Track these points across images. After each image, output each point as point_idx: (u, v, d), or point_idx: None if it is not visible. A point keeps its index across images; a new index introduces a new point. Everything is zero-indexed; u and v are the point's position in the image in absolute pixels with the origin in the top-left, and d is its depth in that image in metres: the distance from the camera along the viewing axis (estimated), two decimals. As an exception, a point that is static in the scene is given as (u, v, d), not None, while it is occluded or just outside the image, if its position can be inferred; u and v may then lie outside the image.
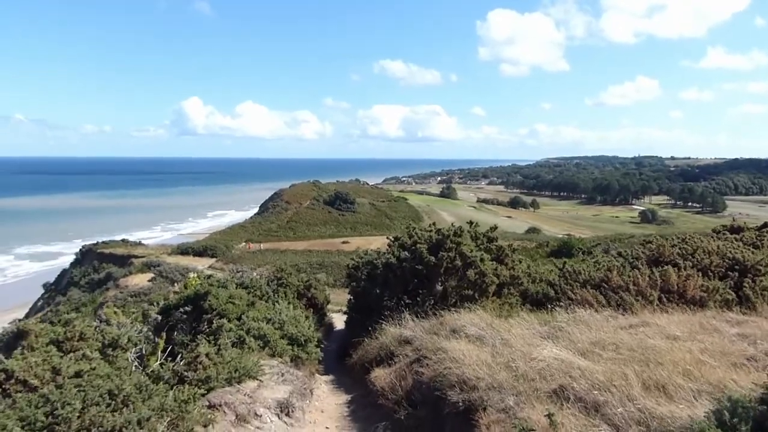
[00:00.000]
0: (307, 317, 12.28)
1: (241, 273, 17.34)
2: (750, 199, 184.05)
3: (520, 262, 12.50)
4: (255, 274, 17.34)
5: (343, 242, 72.97)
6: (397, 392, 7.49)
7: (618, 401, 4.74)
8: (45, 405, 3.90)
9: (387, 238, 14.28)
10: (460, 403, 5.78)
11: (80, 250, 65.94)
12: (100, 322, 8.25)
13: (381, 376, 8.50)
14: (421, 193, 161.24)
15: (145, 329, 9.14)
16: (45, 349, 5.52)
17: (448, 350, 7.26)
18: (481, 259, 10.90)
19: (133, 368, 7.46)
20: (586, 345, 6.80)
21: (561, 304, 9.83)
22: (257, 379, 7.69)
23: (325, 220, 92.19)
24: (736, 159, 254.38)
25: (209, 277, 12.27)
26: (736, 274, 10.23)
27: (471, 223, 12.74)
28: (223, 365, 7.35)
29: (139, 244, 68.31)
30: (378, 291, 12.39)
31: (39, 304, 54.03)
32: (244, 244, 70.18)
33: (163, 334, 8.78)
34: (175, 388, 5.88)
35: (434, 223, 13.35)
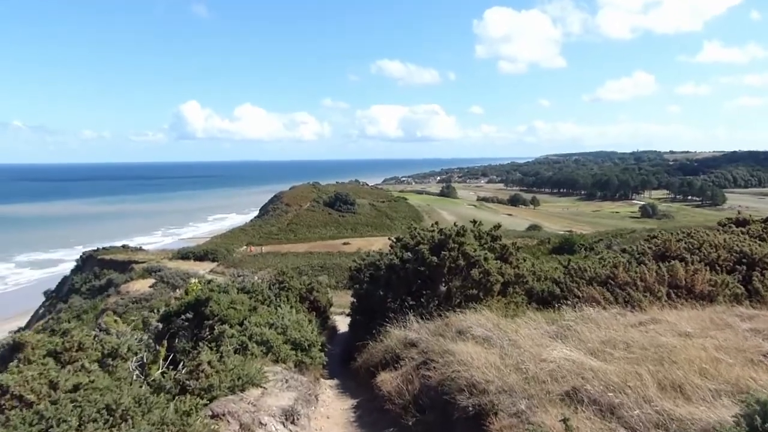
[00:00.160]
0: (310, 321, 12.12)
1: (242, 277, 17.19)
2: (749, 192, 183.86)
3: (525, 260, 12.35)
4: (256, 278, 17.20)
5: (344, 243, 72.80)
6: (404, 397, 7.34)
7: (634, 403, 4.59)
8: (40, 422, 3.76)
9: (389, 238, 14.13)
10: (470, 408, 5.64)
11: (81, 256, 65.73)
12: (100, 331, 8.10)
13: (387, 380, 8.35)
14: (420, 192, 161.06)
15: (145, 337, 8.99)
16: (42, 361, 5.37)
17: (456, 353, 7.11)
18: (485, 258, 10.74)
19: (135, 377, 7.33)
20: (596, 344, 6.65)
21: (567, 302, 9.67)
22: (261, 387, 7.53)
23: (326, 222, 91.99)
24: (735, 152, 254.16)
25: (210, 282, 12.12)
26: (744, 267, 10.09)
27: (474, 222, 12.59)
28: (226, 373, 7.20)
29: (140, 249, 68.13)
30: (381, 293, 12.24)
31: (40, 311, 53.85)
32: (245, 247, 70.02)
33: (164, 342, 8.63)
34: (176, 398, 5.73)
35: (436, 223, 13.19)
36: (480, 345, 7.37)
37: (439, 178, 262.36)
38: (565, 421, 4.25)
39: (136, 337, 8.76)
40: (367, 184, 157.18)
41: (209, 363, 7.29)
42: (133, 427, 4.06)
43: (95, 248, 66.38)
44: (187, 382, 6.97)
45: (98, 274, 54.82)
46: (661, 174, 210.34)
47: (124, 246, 69.02)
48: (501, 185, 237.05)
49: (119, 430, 3.92)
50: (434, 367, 7.17)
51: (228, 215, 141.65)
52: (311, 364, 9.74)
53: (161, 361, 8.19)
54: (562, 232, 74.65)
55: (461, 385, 6.09)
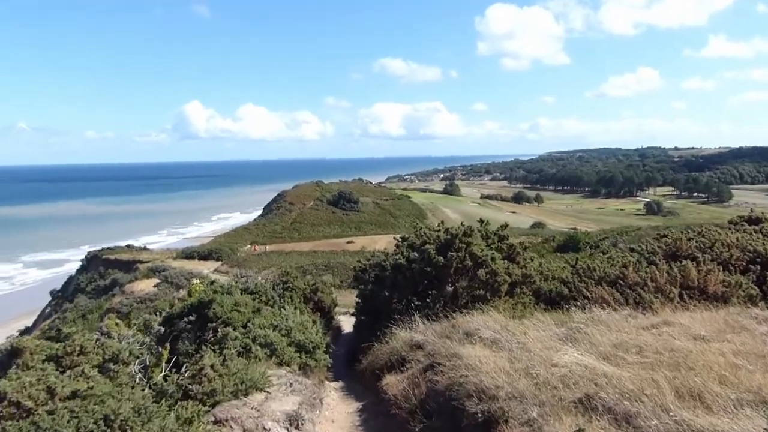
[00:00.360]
0: (314, 322, 11.98)
1: (245, 278, 17.07)
2: (756, 188, 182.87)
3: (532, 260, 12.18)
4: (260, 278, 17.07)
5: (348, 242, 72.73)
6: (410, 401, 7.18)
7: (651, 412, 4.42)
8: (37, 433, 3.62)
9: (394, 238, 13.98)
10: (479, 415, 5.47)
11: (86, 256, 65.77)
12: (102, 334, 7.97)
13: (393, 383, 8.20)
14: (424, 190, 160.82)
15: (148, 340, 8.86)
16: (41, 367, 5.23)
17: (463, 356, 6.95)
18: (492, 258, 10.58)
19: (137, 381, 7.19)
20: (608, 348, 6.48)
21: (576, 303, 9.51)
22: (264, 391, 7.39)
23: (329, 220, 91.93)
24: (741, 147, 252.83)
25: (213, 282, 11.99)
26: (758, 267, 9.89)
27: (481, 221, 12.41)
28: (229, 377, 7.05)
29: (144, 249, 68.14)
30: (386, 293, 12.09)
31: (47, 311, 53.95)
32: (249, 246, 70.00)
33: (167, 345, 8.49)
34: (178, 404, 5.59)
35: (442, 222, 13.04)
36: (488, 348, 7.21)
37: (442, 175, 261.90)
38: (580, 431, 4.08)
39: (138, 339, 8.62)
40: (371, 183, 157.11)
41: (212, 367, 7.15)
42: (131, 439, 3.92)
43: (100, 248, 66.41)
44: (190, 386, 6.83)
45: (103, 273, 54.83)
46: (666, 170, 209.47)
47: (128, 246, 69.05)
48: (504, 182, 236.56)
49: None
50: (441, 371, 7.01)
51: (232, 214, 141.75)
52: (316, 367, 9.60)
53: (164, 364, 8.05)
54: (566, 230, 74.40)
55: (470, 391, 5.92)
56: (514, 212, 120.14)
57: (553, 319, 8.55)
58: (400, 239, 13.51)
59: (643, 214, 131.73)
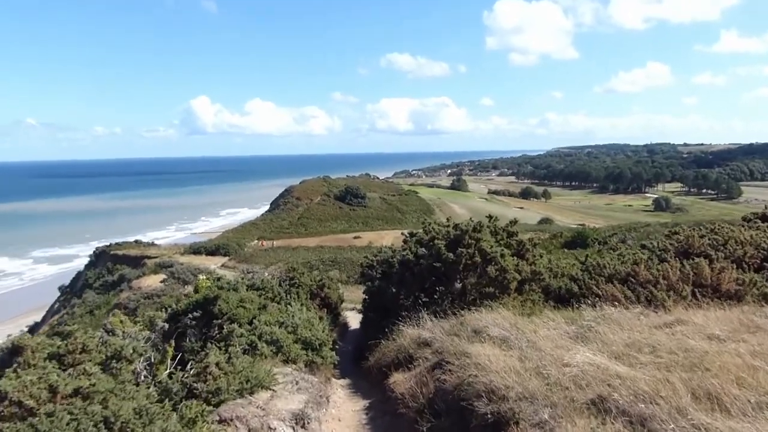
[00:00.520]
0: (321, 318, 11.90)
1: (252, 274, 17.01)
2: (766, 185, 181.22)
3: (541, 256, 12.02)
4: (267, 274, 17.00)
5: (355, 237, 72.66)
6: (418, 400, 7.08)
7: (667, 415, 4.28)
8: (34, 436, 3.54)
9: (402, 233, 13.86)
10: (489, 415, 5.35)
11: (94, 252, 66.13)
12: (106, 332, 7.91)
13: (400, 381, 8.10)
14: (431, 186, 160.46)
15: (153, 336, 8.79)
16: (42, 365, 5.15)
17: (472, 355, 6.83)
18: (502, 255, 10.44)
19: (142, 378, 7.12)
20: (620, 347, 6.34)
21: (586, 300, 9.37)
22: (270, 389, 7.30)
23: (336, 216, 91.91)
24: (751, 144, 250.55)
25: (219, 279, 11.91)
26: (773, 265, 9.70)
27: (490, 217, 12.26)
28: (234, 375, 6.97)
29: (152, 244, 68.38)
30: (394, 290, 11.98)
31: (55, 306, 54.30)
32: (256, 241, 70.09)
33: (172, 342, 8.44)
34: (182, 403, 5.51)
35: (450, 218, 12.90)
36: (497, 346, 7.08)
37: (449, 171, 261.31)
38: (595, 436, 3.94)
39: (143, 336, 8.55)
40: (378, 178, 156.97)
41: (217, 365, 7.07)
42: (132, 441, 3.83)
43: (108, 243, 66.71)
44: (195, 384, 6.75)
45: (111, 269, 55.08)
46: (675, 167, 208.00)
47: (136, 241, 69.35)
48: (512, 178, 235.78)
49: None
50: (450, 370, 6.89)
51: (240, 209, 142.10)
52: (322, 364, 9.52)
53: (169, 361, 7.99)
54: (574, 226, 74.01)
55: (479, 390, 5.80)
56: (521, 208, 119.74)
57: (563, 317, 8.41)
58: (407, 235, 13.38)
59: (651, 211, 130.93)
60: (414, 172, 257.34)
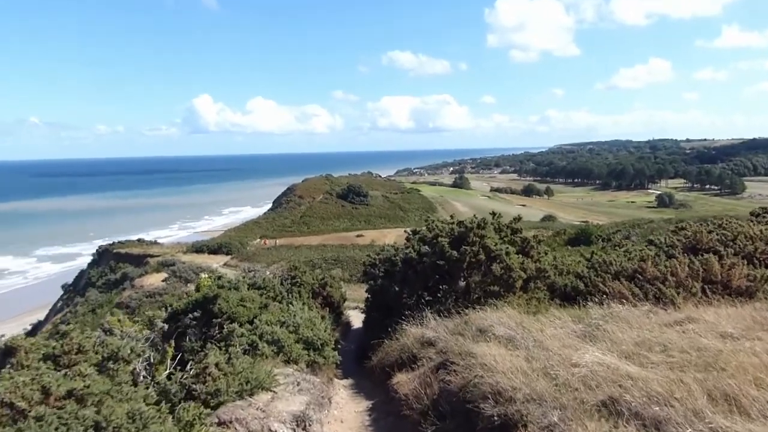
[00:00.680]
0: (323, 317, 11.74)
1: (253, 273, 16.85)
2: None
3: (546, 253, 11.83)
4: (268, 272, 16.85)
5: (358, 235, 72.53)
6: (422, 401, 6.91)
7: (683, 417, 4.10)
8: (22, 442, 3.38)
9: (405, 231, 13.69)
10: (496, 418, 5.17)
11: (97, 250, 66.14)
12: (104, 332, 7.75)
13: (404, 382, 7.93)
14: (433, 183, 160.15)
15: (152, 336, 8.64)
16: (36, 366, 5.00)
17: (477, 355, 6.66)
18: (507, 253, 10.26)
19: (141, 379, 6.97)
20: (630, 346, 6.16)
21: (593, 298, 9.20)
22: (271, 391, 7.15)
23: (339, 214, 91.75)
24: (754, 139, 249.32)
25: (220, 278, 11.76)
26: (784, 260, 9.51)
27: (494, 214, 12.08)
28: (234, 376, 6.82)
29: (155, 243, 68.37)
30: (397, 288, 11.82)
31: (58, 305, 54.30)
32: (259, 240, 70.01)
33: (172, 342, 8.28)
34: (180, 405, 5.36)
35: (453, 215, 12.72)
36: (503, 346, 6.91)
37: (452, 169, 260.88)
38: (608, 440, 3.76)
39: (143, 336, 8.40)
40: (380, 176, 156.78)
41: (217, 365, 6.92)
42: (124, 448, 3.67)
43: (111, 242, 66.71)
44: (193, 386, 6.60)
45: (114, 267, 55.04)
46: (678, 163, 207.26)
47: (139, 240, 69.37)
48: (514, 175, 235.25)
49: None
50: (455, 371, 6.72)
51: (242, 208, 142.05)
52: (324, 364, 9.36)
53: (168, 361, 7.85)
54: (577, 223, 73.78)
55: (485, 392, 5.63)
56: (524, 205, 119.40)
57: (570, 316, 8.24)
58: (411, 232, 13.21)
59: (654, 207, 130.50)
60: (416, 170, 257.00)
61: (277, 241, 69.89)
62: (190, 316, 9.21)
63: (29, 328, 42.94)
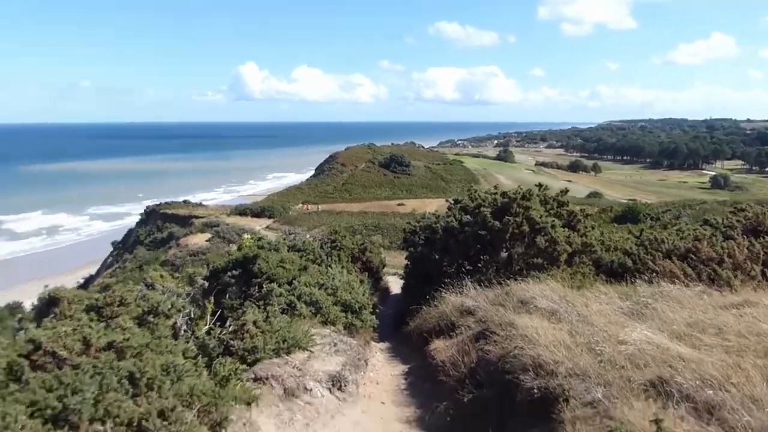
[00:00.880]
0: (361, 282, 11.72)
1: (293, 235, 16.94)
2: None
3: (593, 228, 11.43)
4: (308, 236, 16.93)
5: (399, 204, 72.39)
6: (459, 369, 6.80)
7: (740, 404, 3.85)
8: (59, 388, 3.41)
9: (446, 200, 13.45)
10: (536, 390, 5.01)
11: (145, 210, 68.24)
12: (146, 286, 7.90)
13: (441, 348, 7.83)
14: (476, 156, 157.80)
15: (193, 292, 8.78)
16: (78, 316, 5.08)
17: (519, 326, 6.48)
18: (552, 225, 9.93)
19: (182, 333, 7.08)
20: (681, 327, 5.87)
21: (641, 276, 8.83)
22: (307, 350, 7.17)
23: (380, 183, 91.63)
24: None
25: (260, 239, 11.84)
26: None
27: (540, 186, 11.71)
28: (271, 334, 6.84)
29: (200, 205, 69.97)
30: (437, 256, 11.65)
31: (109, 261, 56.44)
32: (301, 205, 70.76)
33: (211, 298, 8.38)
34: (216, 360, 5.39)
35: (496, 186, 12.39)
36: (546, 319, 6.70)
37: (496, 141, 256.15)
38: (657, 422, 3.55)
39: (183, 291, 8.54)
40: (423, 147, 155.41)
41: (254, 323, 6.96)
42: (159, 398, 3.67)
43: (158, 203, 68.65)
44: (231, 342, 6.66)
45: (161, 227, 56.73)
46: (736, 143, 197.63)
47: (185, 201, 71.11)
48: (561, 150, 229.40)
49: (140, 401, 3.54)
50: (494, 341, 6.57)
51: (286, 174, 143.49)
52: (362, 327, 9.35)
53: (208, 317, 7.94)
54: (624, 201, 71.64)
55: (525, 364, 5.46)
56: (570, 181, 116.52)
57: (616, 292, 7.94)
58: (452, 201, 12.97)
59: (707, 188, 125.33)
60: (459, 142, 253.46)
61: (319, 206, 70.48)
62: (230, 274, 9.30)
63: (82, 281, 44.79)
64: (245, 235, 15.86)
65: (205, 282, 8.82)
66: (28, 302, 23.00)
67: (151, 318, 5.85)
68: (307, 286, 8.98)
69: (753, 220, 10.18)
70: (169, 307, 6.32)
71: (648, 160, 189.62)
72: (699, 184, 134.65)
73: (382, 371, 8.64)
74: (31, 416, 3.20)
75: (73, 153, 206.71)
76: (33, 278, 43.71)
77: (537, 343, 5.70)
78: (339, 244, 14.00)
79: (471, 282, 9.36)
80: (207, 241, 39.71)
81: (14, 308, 25.30)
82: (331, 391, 6.89)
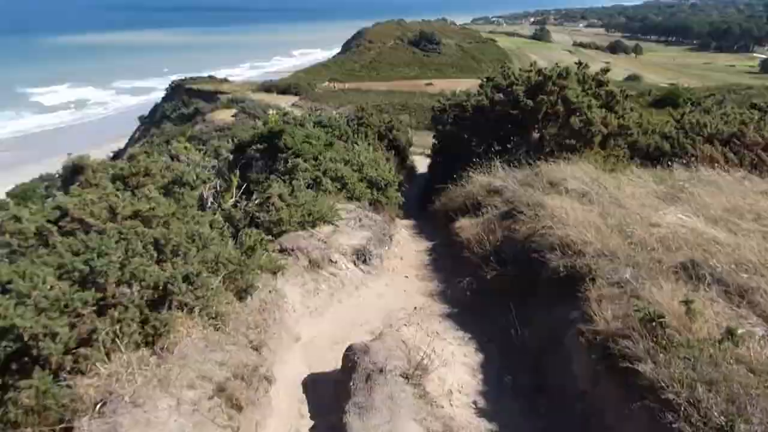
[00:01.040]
0: (387, 159, 11.59)
1: (319, 111, 16.62)
2: None
3: (632, 110, 10.89)
4: (335, 113, 16.59)
5: (427, 84, 70.25)
6: (484, 246, 6.78)
7: (774, 288, 3.74)
8: (85, 252, 3.44)
9: (479, 78, 12.85)
10: (561, 269, 4.97)
11: (170, 85, 67.55)
12: (171, 158, 7.86)
13: (466, 226, 7.80)
14: (511, 34, 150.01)
15: (218, 165, 8.75)
16: (103, 184, 5.07)
17: (548, 206, 6.34)
18: (588, 106, 9.46)
19: (209, 205, 7.14)
20: (718, 212, 5.67)
21: (679, 160, 8.50)
22: (333, 224, 7.20)
23: (409, 61, 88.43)
24: None
25: (286, 114, 11.60)
26: None
27: (579, 64, 11.03)
28: (297, 207, 6.85)
29: (225, 80, 68.88)
30: (466, 136, 11.34)
31: (136, 135, 57.02)
32: (327, 82, 69.27)
33: (237, 172, 8.36)
34: (242, 231, 5.42)
35: (533, 64, 11.71)
36: (576, 200, 6.54)
37: (532, 19, 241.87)
38: (687, 303, 3.47)
39: (208, 163, 8.52)
40: (455, 23, 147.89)
41: (280, 196, 6.95)
42: (185, 263, 3.70)
43: (183, 78, 67.74)
44: (257, 214, 6.70)
45: (186, 102, 56.42)
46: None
47: (210, 77, 70.02)
48: (601, 30, 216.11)
49: (166, 267, 3.57)
50: (521, 220, 6.48)
51: (312, 50, 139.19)
52: (387, 204, 9.35)
53: (234, 190, 7.96)
54: (664, 84, 68.34)
55: (552, 243, 5.39)
56: (608, 62, 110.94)
57: (651, 176, 7.68)
58: (484, 79, 12.38)
59: (756, 73, 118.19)
60: (494, 18, 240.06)
61: (346, 84, 68.92)
62: (255, 148, 9.19)
63: (111, 155, 45.59)
64: (271, 111, 15.60)
65: (230, 154, 8.75)
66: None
67: (176, 188, 5.84)
68: (332, 162, 8.87)
69: (807, 105, 9.56)
70: (194, 177, 6.30)
71: (695, 41, 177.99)
72: (748, 68, 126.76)
73: (406, 247, 8.74)
74: (60, 278, 3.25)
75: (94, 25, 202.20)
76: (63, 151, 44.59)
77: (566, 223, 5.59)
78: (365, 121, 13.68)
79: (500, 162, 9.14)
80: (233, 116, 39.54)
81: (47, 179, 25.97)
82: (355, 264, 7.01)
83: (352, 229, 7.45)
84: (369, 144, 11.40)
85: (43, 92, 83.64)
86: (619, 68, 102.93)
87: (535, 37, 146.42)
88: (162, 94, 68.53)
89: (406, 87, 67.75)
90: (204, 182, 6.75)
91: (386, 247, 7.96)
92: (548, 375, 4.25)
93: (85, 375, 2.98)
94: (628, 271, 4.47)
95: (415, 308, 6.11)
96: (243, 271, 4.15)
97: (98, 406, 2.81)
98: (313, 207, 6.87)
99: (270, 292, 4.77)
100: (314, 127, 11.02)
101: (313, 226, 6.83)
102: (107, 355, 3.10)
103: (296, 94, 57.74)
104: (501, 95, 10.60)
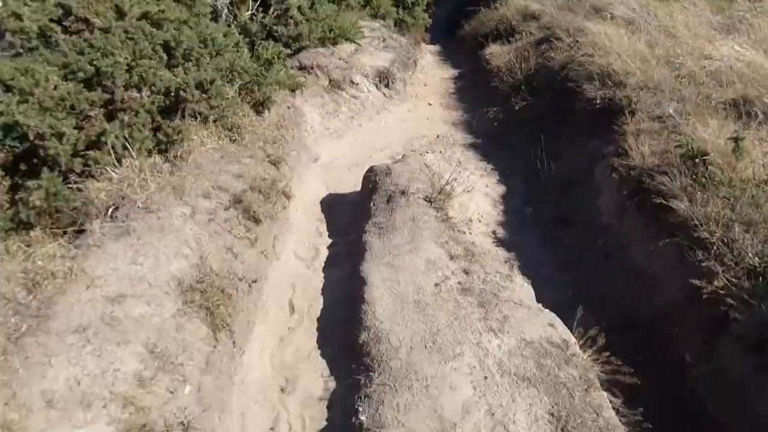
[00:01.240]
0: (415, -23, 10.55)
1: None
2: None
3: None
4: None
5: None
6: (515, 75, 6.36)
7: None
8: (90, 52, 3.16)
9: None
10: (598, 101, 4.64)
11: None
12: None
13: (497, 53, 7.29)
14: None
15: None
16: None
17: (589, 32, 5.80)
18: None
19: (223, 17, 6.64)
20: (780, 45, 5.13)
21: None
22: (355, 43, 6.73)
23: None
24: None
25: None
26: None
27: None
28: (317, 23, 6.35)
29: None
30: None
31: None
32: None
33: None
34: (259, 44, 5.05)
35: None
36: (621, 28, 5.95)
37: None
38: (737, 140, 3.21)
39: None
40: None
41: (299, 9, 6.41)
42: (198, 70, 3.43)
43: None
44: (275, 27, 6.24)
45: None
46: None
47: None
48: None
49: (177, 72, 3.30)
50: (558, 47, 5.98)
51: None
52: (413, 25, 8.73)
53: (250, 2, 7.36)
54: None
55: (591, 72, 4.98)
56: None
57: (708, 4, 6.91)
58: None
59: None
60: None
61: None
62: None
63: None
64: None
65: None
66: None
67: (188, -6, 5.31)
68: (356, -26, 8.07)
69: None
70: (208, -17, 5.72)
71: None
72: None
73: (432, 73, 8.27)
74: (65, 79, 3.03)
75: None
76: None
77: (608, 52, 5.13)
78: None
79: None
80: None
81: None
82: (377, 87, 6.67)
83: (375, 50, 6.99)
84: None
85: None
86: None
87: None
88: None
89: None
90: (217, -11, 6.17)
91: (410, 72, 7.52)
92: (572, 208, 4.16)
93: (97, 179, 2.90)
94: (672, 105, 4.15)
95: (438, 136, 5.91)
96: (260, 82, 3.89)
97: (110, 210, 2.77)
98: (335, 22, 6.36)
99: (288, 108, 4.55)
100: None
101: (334, 44, 6.39)
102: (118, 160, 2.99)
103: None
104: None
